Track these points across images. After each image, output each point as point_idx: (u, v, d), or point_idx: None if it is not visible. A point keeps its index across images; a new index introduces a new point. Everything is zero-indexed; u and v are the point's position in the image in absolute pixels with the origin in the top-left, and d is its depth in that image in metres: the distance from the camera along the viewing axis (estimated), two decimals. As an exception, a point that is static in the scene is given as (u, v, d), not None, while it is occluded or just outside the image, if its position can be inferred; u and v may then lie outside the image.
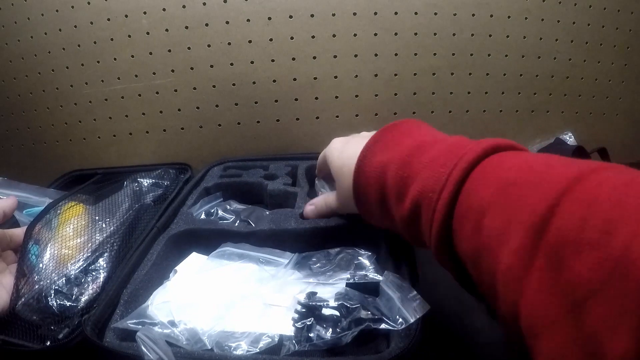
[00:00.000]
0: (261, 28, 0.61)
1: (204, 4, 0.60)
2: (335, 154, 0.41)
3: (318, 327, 0.33)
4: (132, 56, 0.63)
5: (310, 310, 0.35)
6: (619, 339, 0.16)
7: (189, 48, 0.62)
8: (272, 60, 0.63)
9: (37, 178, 0.70)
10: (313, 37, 0.62)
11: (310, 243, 0.46)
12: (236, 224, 0.49)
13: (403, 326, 0.32)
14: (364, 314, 0.34)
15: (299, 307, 0.35)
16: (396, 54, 0.63)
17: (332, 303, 0.35)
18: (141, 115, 0.68)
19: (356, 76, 0.64)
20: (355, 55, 0.63)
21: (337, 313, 0.34)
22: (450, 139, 0.32)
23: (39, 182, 0.65)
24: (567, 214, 0.20)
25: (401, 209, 0.31)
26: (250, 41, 0.62)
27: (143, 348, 0.31)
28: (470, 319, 0.40)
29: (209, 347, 0.33)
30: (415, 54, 0.63)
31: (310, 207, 0.47)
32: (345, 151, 0.39)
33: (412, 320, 0.32)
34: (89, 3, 0.61)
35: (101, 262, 0.45)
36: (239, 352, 0.33)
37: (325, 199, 0.46)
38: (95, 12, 0.61)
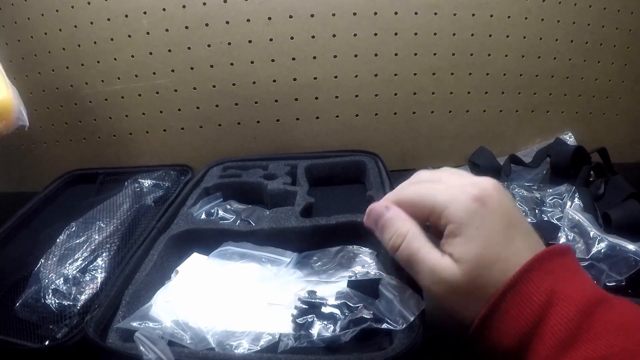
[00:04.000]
0: (261, 28, 0.61)
1: (204, 4, 0.60)
2: (484, 228, 0.28)
3: (318, 324, 0.33)
4: (132, 56, 0.63)
5: (311, 306, 0.35)
6: None
7: (189, 48, 0.62)
8: (272, 60, 0.63)
9: (37, 178, 0.70)
10: (313, 37, 0.62)
11: (311, 241, 0.46)
12: (237, 224, 0.49)
13: (404, 326, 0.32)
14: (365, 313, 0.33)
15: (299, 304, 0.35)
16: (396, 54, 0.63)
17: (333, 301, 0.35)
18: (141, 115, 0.68)
19: (356, 76, 0.64)
20: (355, 55, 0.63)
21: (337, 311, 0.34)
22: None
23: (39, 182, 0.65)
24: None
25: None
26: (250, 41, 0.62)
27: (141, 348, 0.31)
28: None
29: (213, 346, 0.33)
30: (415, 54, 0.63)
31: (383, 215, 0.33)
32: (510, 238, 0.28)
33: (411, 319, 0.31)
34: (89, 3, 0.61)
35: (100, 262, 0.45)
36: (240, 350, 0.33)
37: (413, 235, 0.31)
38: (95, 12, 0.61)
